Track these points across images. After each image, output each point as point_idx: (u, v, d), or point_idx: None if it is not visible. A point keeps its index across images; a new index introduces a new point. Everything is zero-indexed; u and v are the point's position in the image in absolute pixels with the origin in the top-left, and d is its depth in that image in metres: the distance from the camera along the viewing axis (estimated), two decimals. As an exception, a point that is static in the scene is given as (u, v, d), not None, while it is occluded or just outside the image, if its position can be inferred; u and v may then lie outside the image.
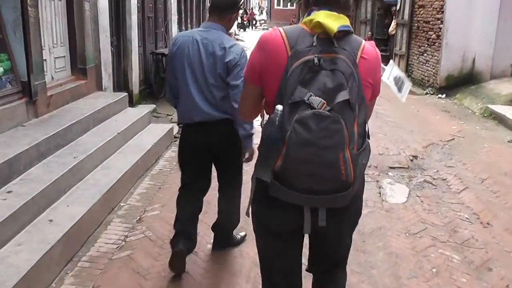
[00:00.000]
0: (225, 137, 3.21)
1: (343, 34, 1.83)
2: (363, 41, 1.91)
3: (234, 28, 32.58)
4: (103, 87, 7.01)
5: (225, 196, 3.60)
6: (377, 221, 4.89)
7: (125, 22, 8.54)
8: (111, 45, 7.96)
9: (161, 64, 10.65)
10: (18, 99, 5.16)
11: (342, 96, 1.70)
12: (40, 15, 5.76)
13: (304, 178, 1.74)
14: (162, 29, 11.67)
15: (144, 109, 7.61)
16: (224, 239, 3.79)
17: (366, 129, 1.90)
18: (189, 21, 15.35)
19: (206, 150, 3.28)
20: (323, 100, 1.68)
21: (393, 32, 16.70)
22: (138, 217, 4.87)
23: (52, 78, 6.24)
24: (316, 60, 1.73)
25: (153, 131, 6.99)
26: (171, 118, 8.76)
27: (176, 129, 7.74)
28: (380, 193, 5.64)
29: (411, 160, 6.87)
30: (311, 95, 1.70)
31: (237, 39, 25.93)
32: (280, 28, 1.90)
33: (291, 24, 46.25)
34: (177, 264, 3.40)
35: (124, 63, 8.67)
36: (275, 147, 1.74)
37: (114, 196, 4.95)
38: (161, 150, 6.75)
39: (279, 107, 1.75)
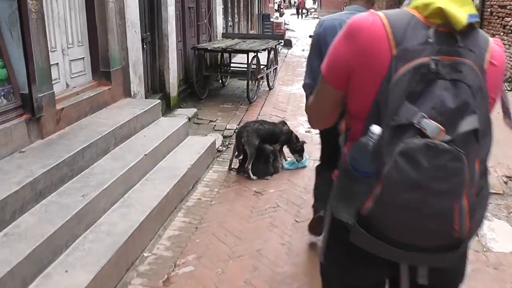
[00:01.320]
0: None
1: (468, 27, 1.36)
2: (489, 37, 1.44)
3: (284, 17, 31.25)
4: (132, 93, 6.02)
5: None
6: (486, 286, 3.56)
7: (161, 15, 7.40)
8: (143, 42, 6.87)
9: (204, 60, 9.50)
10: (16, 117, 4.07)
11: (470, 123, 1.27)
12: (47, 9, 4.71)
13: (403, 230, 1.37)
14: (205, 20, 10.57)
15: (180, 118, 6.45)
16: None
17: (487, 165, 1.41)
18: (236, 11, 14.08)
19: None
20: (440, 126, 1.25)
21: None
22: (166, 276, 3.69)
23: (67, 85, 5.08)
24: (433, 65, 1.29)
25: (191, 146, 5.89)
26: (214, 126, 7.66)
27: (220, 140, 6.54)
28: (477, 235, 4.14)
29: (505, 183, 5.36)
30: (423, 117, 1.26)
31: (287, 29, 24.52)
32: (380, 12, 1.44)
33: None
34: (317, 229, 3.98)
35: (159, 62, 7.70)
36: (365, 182, 1.34)
37: (134, 246, 3.84)
38: (200, 172, 5.63)
39: (376, 129, 1.30)
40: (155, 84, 7.79)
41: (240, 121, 8.01)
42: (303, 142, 5.92)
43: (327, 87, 1.57)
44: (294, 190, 5.35)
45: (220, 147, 6.65)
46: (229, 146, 6.77)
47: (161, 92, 7.82)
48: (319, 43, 3.36)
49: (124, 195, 4.38)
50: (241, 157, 5.64)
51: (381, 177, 1.30)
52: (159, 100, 6.17)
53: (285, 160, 6.07)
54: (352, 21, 1.46)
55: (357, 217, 1.42)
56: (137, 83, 6.29)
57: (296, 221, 4.65)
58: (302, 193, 5.26)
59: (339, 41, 1.50)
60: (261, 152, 5.71)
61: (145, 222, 4.05)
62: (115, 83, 5.77)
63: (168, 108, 7.84)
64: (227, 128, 7.57)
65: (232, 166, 5.82)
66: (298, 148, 5.70)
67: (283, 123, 5.93)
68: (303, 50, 18.32)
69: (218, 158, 6.31)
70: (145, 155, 4.87)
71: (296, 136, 5.96)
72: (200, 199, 5.10)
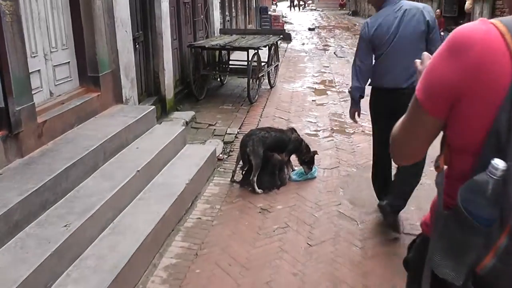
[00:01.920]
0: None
1: None
2: None
3: (282, 10, 30.65)
4: (124, 98, 5.60)
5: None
6: None
7: (154, 12, 6.89)
8: (135, 42, 6.37)
9: (202, 59, 9.04)
10: (-11, 135, 3.47)
11: None
12: (25, 9, 4.23)
13: None
14: (202, 16, 10.06)
15: (177, 126, 6.01)
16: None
17: None
18: (233, 4, 13.52)
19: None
20: None
21: (469, 9, 14.34)
22: (162, 319, 3.10)
23: (51, 94, 4.58)
24: None
25: (189, 157, 5.42)
26: (214, 130, 7.19)
27: (220, 147, 6.21)
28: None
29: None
30: None
31: (285, 22, 23.95)
32: (495, 20, 1.19)
33: (341, 4, 43.78)
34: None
35: (154, 62, 7.23)
36: (483, 232, 1.11)
37: (125, 283, 3.41)
38: (199, 186, 5.18)
39: (500, 164, 1.09)
40: (150, 87, 7.30)
41: (241, 124, 7.58)
42: (314, 153, 5.49)
43: (422, 116, 1.31)
44: (304, 206, 4.88)
45: (220, 155, 6.16)
46: (230, 153, 6.32)
47: (156, 94, 7.34)
48: (372, 43, 3.78)
49: (114, 220, 3.89)
50: (246, 168, 5.14)
51: (507, 225, 1.10)
52: (153, 107, 5.71)
53: (292, 170, 5.55)
54: (459, 33, 1.21)
55: (469, 277, 1.18)
56: (129, 88, 5.79)
57: (308, 244, 4.18)
58: (313, 209, 4.81)
59: (441, 58, 1.24)
60: (267, 162, 5.21)
61: (137, 252, 3.56)
62: (104, 89, 5.27)
63: (164, 111, 7.36)
64: (227, 132, 7.10)
65: (234, 178, 5.36)
66: (308, 160, 5.26)
67: (292, 130, 5.51)
68: (303, 44, 17.81)
69: (219, 169, 5.82)
70: (138, 171, 4.38)
71: (307, 145, 5.53)
72: (200, 218, 4.61)
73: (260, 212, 4.76)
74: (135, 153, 4.79)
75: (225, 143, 6.70)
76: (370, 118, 4.42)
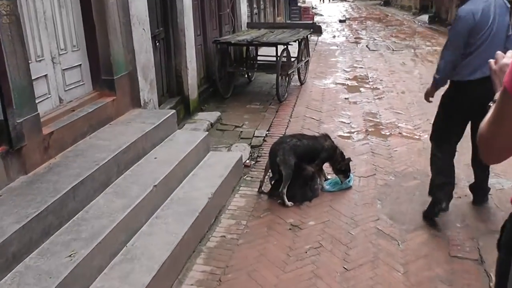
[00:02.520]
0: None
1: None
2: None
3: (312, 1, 30.00)
4: (142, 102, 5.27)
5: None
6: None
7: (175, 6, 6.47)
8: (154, 40, 6.04)
9: (228, 55, 8.70)
10: (-13, 152, 3.10)
11: None
12: (28, 9, 3.87)
13: None
14: (228, 10, 9.63)
15: (200, 132, 5.66)
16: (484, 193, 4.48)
17: None
18: (261, -3, 13.02)
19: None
20: None
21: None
22: None
23: (60, 100, 4.21)
24: None
25: (212, 166, 5.03)
26: (240, 133, 6.80)
27: (247, 152, 5.90)
28: None
29: None
30: None
31: (315, 13, 23.32)
32: None
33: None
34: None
35: (175, 61, 6.82)
36: None
37: None
38: (223, 199, 4.79)
39: None
40: (172, 87, 6.92)
41: (270, 126, 7.14)
42: (349, 160, 5.07)
43: None
44: (339, 221, 4.45)
45: (247, 161, 5.76)
46: (258, 159, 5.91)
47: (179, 95, 6.97)
48: (474, 31, 3.74)
49: (127, 243, 3.50)
50: (276, 179, 4.76)
51: None
52: (173, 111, 5.28)
53: (325, 179, 5.17)
54: None
55: None
56: (148, 90, 5.39)
57: (345, 268, 3.74)
58: (349, 226, 4.37)
59: None
60: (298, 172, 4.80)
61: (153, 282, 3.18)
62: (120, 93, 4.90)
63: (187, 112, 7.00)
64: (255, 135, 6.70)
65: (262, 188, 4.97)
66: (343, 168, 4.95)
67: (326, 137, 5.09)
68: (334, 36, 17.20)
69: (245, 177, 5.43)
70: (155, 186, 3.99)
71: (341, 153, 5.10)
72: (224, 236, 4.19)
73: (290, 229, 4.33)
74: (152, 164, 4.39)
75: (252, 147, 6.29)
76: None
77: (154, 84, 5.63)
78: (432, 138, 4.33)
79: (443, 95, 4.16)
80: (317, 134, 5.31)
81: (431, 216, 4.29)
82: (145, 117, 4.99)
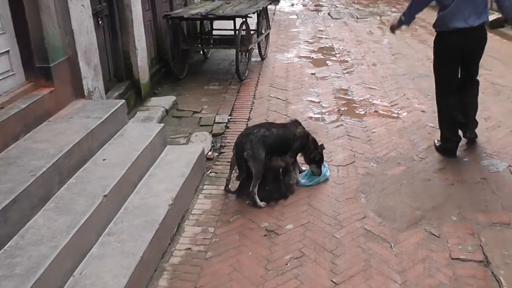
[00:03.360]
0: (480, 40, 4.65)
1: None
2: None
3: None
4: (86, 91, 4.77)
5: (472, 90, 5.01)
6: None
7: (119, -22, 5.70)
8: (97, 18, 5.50)
9: (181, 31, 8.11)
10: None
11: None
12: None
13: None
14: (178, -21, 8.75)
15: (154, 125, 5.18)
16: (474, 126, 5.08)
17: None
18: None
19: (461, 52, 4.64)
20: None
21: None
22: None
23: (-16, 97, 3.52)
24: None
25: (171, 164, 4.60)
26: (200, 119, 6.37)
27: (208, 141, 5.56)
28: None
29: None
30: None
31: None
32: None
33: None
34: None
35: (123, 40, 6.27)
36: None
37: None
38: (186, 201, 4.38)
39: None
40: (120, 71, 6.35)
41: (232, 109, 6.71)
42: (322, 148, 4.72)
43: None
44: (321, 223, 4.11)
45: (209, 153, 5.35)
46: (221, 150, 5.50)
47: (128, 79, 6.42)
48: None
49: (74, 273, 3.01)
50: (243, 176, 4.37)
51: None
52: (123, 101, 4.76)
53: (300, 172, 4.83)
54: None
55: None
56: (92, 77, 4.89)
57: (333, 282, 3.40)
58: (333, 227, 4.02)
59: None
60: (269, 167, 4.43)
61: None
62: (59, 82, 4.40)
63: (138, 98, 6.51)
64: (216, 121, 6.26)
65: (229, 187, 4.60)
66: (317, 158, 4.65)
67: (296, 123, 4.70)
68: (292, 4, 16.68)
69: (209, 173, 5.01)
70: (105, 196, 3.51)
71: (314, 140, 4.74)
72: (190, 249, 3.80)
73: (265, 235, 3.95)
74: (101, 168, 3.94)
75: (214, 135, 5.85)
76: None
77: (99, 70, 5.08)
78: (435, 82, 5.06)
79: (433, 41, 4.92)
80: (286, 121, 4.93)
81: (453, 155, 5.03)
82: (90, 110, 4.47)
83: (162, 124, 4.99)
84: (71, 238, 3.07)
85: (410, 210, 4.17)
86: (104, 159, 4.07)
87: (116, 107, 4.60)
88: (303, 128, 4.70)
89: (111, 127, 4.45)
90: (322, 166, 4.76)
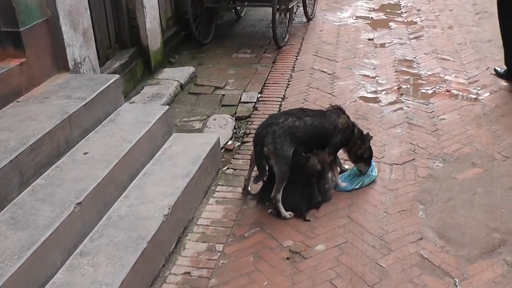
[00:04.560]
0: None
1: None
2: None
3: None
4: (72, 63, 4.54)
5: None
6: None
7: None
8: None
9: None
10: None
11: None
12: None
13: None
14: None
15: (155, 108, 5.02)
16: None
17: None
18: None
19: None
20: None
21: None
22: None
23: None
24: None
25: (175, 158, 4.35)
26: (222, 97, 6.15)
27: (229, 127, 5.34)
28: None
29: None
30: None
31: None
32: None
33: None
34: None
35: (126, -4, 5.96)
36: None
37: None
38: (191, 210, 4.13)
39: None
40: (123, 35, 6.08)
41: (263, 86, 6.41)
42: (368, 138, 4.43)
43: None
44: (362, 243, 3.78)
45: (230, 143, 5.17)
46: (245, 138, 5.26)
47: (134, 45, 6.19)
48: None
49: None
50: (264, 178, 4.13)
51: None
52: (116, 77, 4.53)
53: (341, 172, 4.59)
54: None
55: None
56: (80, 44, 4.69)
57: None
58: (377, 251, 3.69)
59: None
60: (299, 166, 4.13)
61: None
62: (33, 52, 4.18)
63: (147, 70, 6.31)
64: (242, 100, 6.02)
65: (249, 189, 4.37)
66: (367, 155, 4.40)
67: (338, 111, 4.38)
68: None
69: (225, 169, 4.79)
70: (79, 204, 3.30)
71: (361, 132, 4.43)
72: (188, 273, 3.60)
73: (288, 258, 3.67)
74: (79, 165, 3.70)
75: (237, 119, 5.62)
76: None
77: (90, 35, 4.85)
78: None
79: None
80: (325, 108, 4.64)
81: None
82: (73, 88, 4.25)
83: (166, 107, 4.74)
84: (25, 261, 2.82)
85: (486, 232, 3.79)
86: (85, 153, 3.85)
87: (107, 85, 4.37)
88: (348, 117, 4.39)
89: (99, 110, 4.23)
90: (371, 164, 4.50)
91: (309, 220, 4.04)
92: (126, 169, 3.91)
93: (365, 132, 4.45)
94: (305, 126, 4.13)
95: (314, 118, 4.23)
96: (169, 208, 3.69)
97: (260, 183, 4.25)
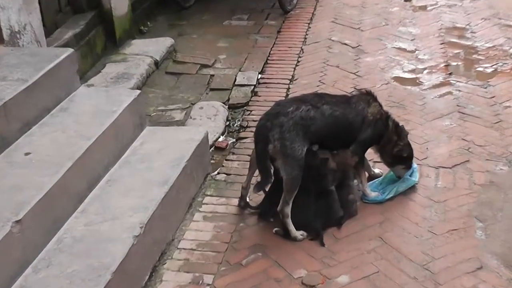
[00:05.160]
0: None
1: None
2: None
3: None
4: (7, 34, 4.73)
5: None
6: None
7: None
8: None
9: None
10: None
11: None
12: None
13: None
14: None
15: (123, 93, 5.04)
16: None
17: None
18: None
19: None
20: None
21: None
22: None
23: None
24: None
25: (149, 159, 4.52)
26: (210, 78, 6.36)
27: (221, 120, 5.46)
28: None
29: None
30: None
31: None
32: None
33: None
34: None
35: None
36: None
37: None
38: (170, 229, 4.25)
39: None
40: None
41: (265, 63, 6.55)
42: (402, 132, 4.52)
43: None
44: (399, 273, 3.84)
45: (221, 139, 5.32)
46: (241, 133, 5.40)
47: (92, 8, 6.39)
48: None
49: None
50: (267, 185, 4.20)
51: None
52: (70, 50, 4.70)
53: (373, 174, 4.72)
54: None
55: None
56: (18, 7, 4.81)
57: None
58: (420, 284, 3.73)
59: None
60: (314, 170, 4.22)
61: None
62: None
63: (110, 41, 6.54)
64: (237, 82, 6.17)
65: (248, 199, 4.52)
66: (406, 154, 4.47)
67: (367, 97, 4.47)
68: None
69: (215, 174, 4.91)
70: (17, 222, 3.33)
71: (397, 125, 4.50)
72: None
73: None
74: (19, 170, 3.79)
75: (231, 108, 5.79)
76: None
77: None
78: None
79: None
80: (349, 93, 4.80)
81: None
82: (9, 67, 4.40)
83: (137, 92, 4.87)
84: None
85: None
86: (27, 153, 3.94)
87: (56, 62, 4.52)
88: (380, 106, 4.47)
89: (45, 96, 4.36)
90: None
91: (325, 245, 4.10)
92: (83, 174, 4.00)
93: (400, 124, 4.54)
94: (322, 118, 4.20)
95: (335, 107, 4.30)
96: (141, 227, 3.76)
97: (262, 193, 4.34)
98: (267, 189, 4.33)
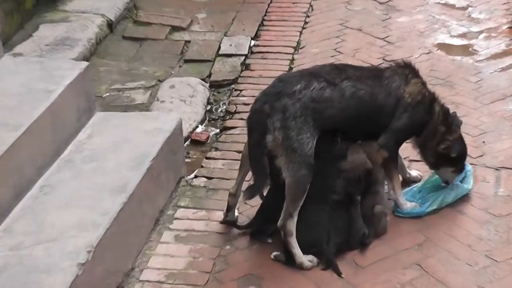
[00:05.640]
0: None
1: None
2: None
3: None
4: None
5: None
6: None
7: None
8: None
9: None
10: None
11: None
12: None
13: None
14: None
15: (67, 67, 5.05)
16: None
17: None
18: None
19: None
20: None
21: None
22: None
23: None
24: None
25: (99, 157, 4.61)
26: (185, 45, 6.46)
27: (200, 103, 5.52)
28: None
29: None
30: None
31: None
32: None
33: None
34: None
35: None
36: None
37: None
38: (131, 251, 4.34)
39: None
40: None
41: (261, 23, 6.63)
42: (456, 121, 4.55)
43: None
44: None
45: (201, 130, 5.37)
46: (227, 123, 5.41)
47: None
48: None
49: None
50: (263, 189, 4.25)
51: None
52: None
53: (410, 178, 4.74)
54: None
55: None
56: None
57: None
58: None
59: None
60: (328, 170, 4.27)
61: None
62: None
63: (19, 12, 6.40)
64: (222, 51, 6.25)
65: (236, 214, 4.59)
66: (456, 153, 4.46)
67: (405, 70, 4.53)
68: None
69: (191, 179, 4.96)
70: None
71: (446, 112, 4.54)
72: None
73: None
74: None
75: (214, 86, 5.85)
76: None
77: None
78: None
79: None
80: (378, 66, 4.86)
81: None
82: None
83: (85, 64, 4.94)
84: None
85: None
86: None
87: None
88: (423, 84, 4.50)
89: None
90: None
91: (342, 275, 4.09)
92: (8, 177, 4.00)
93: (451, 112, 4.55)
94: (342, 98, 4.21)
95: (359, 84, 4.30)
96: (88, 252, 3.77)
97: (256, 202, 4.38)
98: (262, 197, 4.36)
